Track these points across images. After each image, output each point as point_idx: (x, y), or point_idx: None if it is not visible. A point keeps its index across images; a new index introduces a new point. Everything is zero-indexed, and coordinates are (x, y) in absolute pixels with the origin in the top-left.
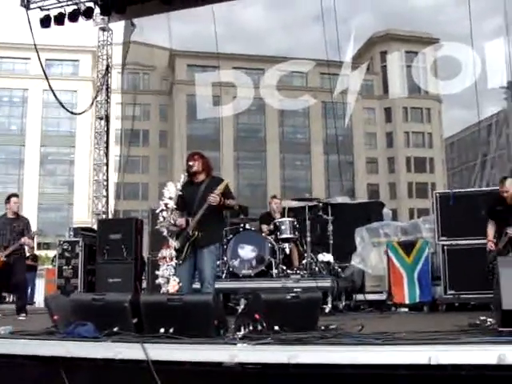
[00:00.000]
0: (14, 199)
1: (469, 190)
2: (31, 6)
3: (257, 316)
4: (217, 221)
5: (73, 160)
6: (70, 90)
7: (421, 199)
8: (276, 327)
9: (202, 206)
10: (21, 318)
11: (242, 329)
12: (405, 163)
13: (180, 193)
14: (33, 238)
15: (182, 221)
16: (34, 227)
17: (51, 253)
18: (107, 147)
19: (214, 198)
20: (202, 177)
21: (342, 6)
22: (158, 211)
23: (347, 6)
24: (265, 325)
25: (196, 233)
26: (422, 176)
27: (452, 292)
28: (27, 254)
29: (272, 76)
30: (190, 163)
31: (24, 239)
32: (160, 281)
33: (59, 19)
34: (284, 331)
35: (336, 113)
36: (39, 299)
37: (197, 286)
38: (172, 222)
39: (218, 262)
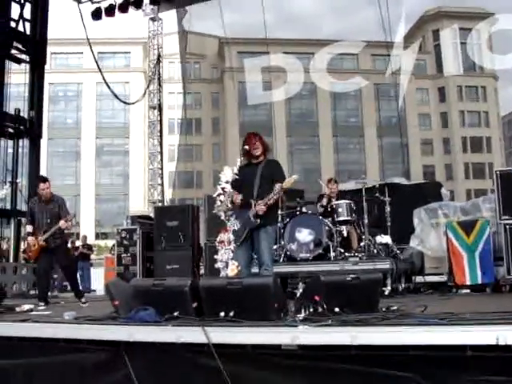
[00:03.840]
0: (41, 186)
1: None
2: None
3: (317, 298)
4: (274, 206)
5: (127, 151)
6: (122, 81)
7: (478, 180)
8: (336, 309)
9: (263, 186)
10: (82, 304)
11: (303, 311)
12: (461, 143)
13: (236, 176)
14: (71, 221)
15: (238, 196)
16: (91, 218)
17: (110, 242)
18: (161, 136)
19: (261, 210)
20: (260, 158)
21: None
22: (215, 195)
23: None
24: (325, 307)
25: (258, 220)
26: (479, 156)
27: None
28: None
29: (322, 59)
30: (253, 145)
31: (62, 223)
32: (219, 265)
33: (110, 11)
34: (345, 313)
35: (389, 94)
36: (99, 287)
37: (255, 270)
38: (229, 205)
39: (276, 246)
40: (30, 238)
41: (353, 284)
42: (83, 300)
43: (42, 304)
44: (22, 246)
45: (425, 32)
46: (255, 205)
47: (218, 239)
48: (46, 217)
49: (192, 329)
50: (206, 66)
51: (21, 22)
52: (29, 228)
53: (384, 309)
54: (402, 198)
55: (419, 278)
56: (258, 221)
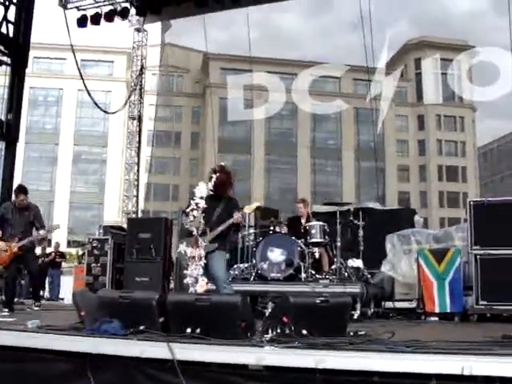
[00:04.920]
0: (21, 197)
1: (504, 198)
2: (69, 6)
3: (285, 319)
4: (226, 233)
5: (105, 160)
6: (104, 90)
7: (452, 209)
8: (304, 331)
9: (220, 221)
10: (34, 307)
11: (270, 331)
12: (436, 171)
13: (211, 192)
14: (50, 232)
15: None
16: (64, 224)
17: (81, 250)
18: (139, 147)
19: (238, 217)
20: (223, 193)
21: (379, 13)
22: (188, 210)
23: (383, 13)
24: (293, 328)
25: (215, 245)
26: (454, 185)
27: (484, 302)
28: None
29: (304, 80)
30: (215, 176)
31: (42, 232)
32: (188, 280)
33: (95, 19)
34: (312, 335)
35: (368, 119)
36: (68, 296)
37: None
38: (202, 221)
39: (247, 265)
40: (1, 244)
41: (322, 307)
42: (37, 304)
43: (6, 310)
44: None
45: (407, 60)
46: (210, 231)
47: (188, 254)
48: (21, 224)
49: (157, 344)
50: (189, 80)
51: (4, 23)
52: None
53: (352, 333)
54: (375, 223)
55: (389, 304)
56: (215, 245)
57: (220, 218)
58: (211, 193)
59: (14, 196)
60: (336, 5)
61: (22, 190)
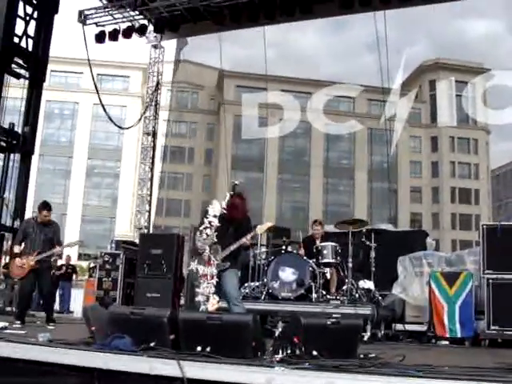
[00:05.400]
0: (44, 213)
1: None
2: (88, 21)
3: (295, 340)
4: (238, 252)
5: (118, 174)
6: (119, 105)
7: (464, 231)
8: (314, 352)
9: (232, 241)
10: (50, 327)
11: (280, 352)
12: (449, 194)
13: (224, 211)
14: (68, 247)
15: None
16: (76, 238)
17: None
18: (153, 163)
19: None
20: (236, 218)
21: (394, 35)
22: (201, 228)
23: (399, 34)
24: (303, 349)
25: (227, 263)
26: (467, 207)
27: (496, 327)
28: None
29: (319, 100)
30: (230, 205)
31: (57, 249)
32: (200, 298)
33: (113, 35)
34: (322, 357)
35: (382, 139)
36: (77, 309)
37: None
38: (215, 240)
39: (258, 283)
40: (18, 260)
41: (332, 328)
42: (51, 325)
43: (18, 322)
44: (3, 261)
45: (422, 81)
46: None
47: (200, 272)
48: (41, 239)
49: (167, 361)
50: (204, 97)
51: (24, 38)
52: (16, 249)
53: (362, 355)
54: (387, 245)
55: (399, 326)
56: (228, 264)
57: (232, 237)
58: (224, 211)
59: (37, 211)
60: (352, 25)
61: (46, 206)
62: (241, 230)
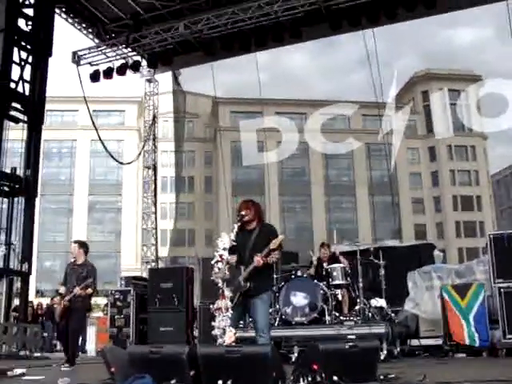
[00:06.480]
0: (72, 246)
1: None
2: (81, 62)
3: (315, 366)
4: (266, 269)
5: (120, 208)
6: (116, 139)
7: (469, 238)
8: (335, 377)
9: (255, 251)
10: (64, 368)
11: (301, 380)
12: (451, 202)
13: (234, 243)
14: (87, 288)
15: (233, 257)
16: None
17: (100, 300)
18: (155, 196)
19: (258, 261)
20: (253, 224)
21: (384, 49)
22: (213, 262)
23: (389, 48)
24: (324, 375)
25: (248, 284)
26: (470, 214)
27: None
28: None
29: (315, 120)
30: (243, 212)
31: (76, 289)
32: (216, 332)
33: (108, 73)
34: (343, 381)
35: (380, 154)
36: (90, 347)
37: (251, 334)
38: (227, 272)
39: (271, 310)
40: (56, 299)
41: (351, 352)
42: (67, 365)
43: (67, 365)
44: (13, 304)
45: (414, 93)
46: (244, 269)
47: (214, 306)
48: (72, 279)
49: None
50: (200, 125)
51: (20, 82)
52: (61, 289)
53: (382, 376)
54: (395, 261)
55: (414, 341)
56: (248, 284)
57: (256, 247)
58: (239, 225)
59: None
60: (341, 43)
61: (80, 246)
62: (263, 235)
